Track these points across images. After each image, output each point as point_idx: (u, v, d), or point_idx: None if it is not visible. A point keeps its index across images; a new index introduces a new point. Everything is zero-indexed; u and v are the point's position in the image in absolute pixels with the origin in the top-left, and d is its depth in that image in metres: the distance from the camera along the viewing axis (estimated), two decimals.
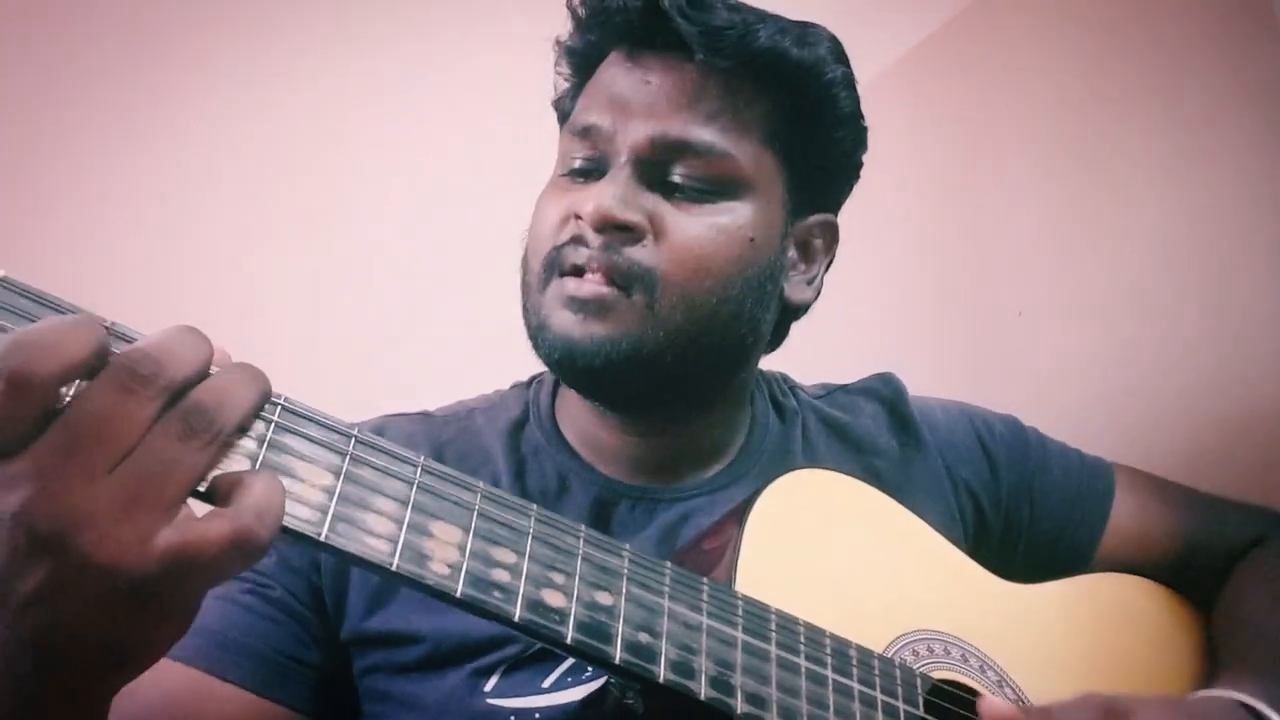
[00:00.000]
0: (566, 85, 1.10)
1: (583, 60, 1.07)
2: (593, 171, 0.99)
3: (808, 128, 1.03)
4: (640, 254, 0.94)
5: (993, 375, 1.68)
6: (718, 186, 0.98)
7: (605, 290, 0.93)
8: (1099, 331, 1.54)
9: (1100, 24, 1.58)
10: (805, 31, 1.02)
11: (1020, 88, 1.72)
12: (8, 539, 0.50)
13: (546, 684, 0.90)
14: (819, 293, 1.10)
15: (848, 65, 1.06)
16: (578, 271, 0.95)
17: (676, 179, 0.97)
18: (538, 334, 0.97)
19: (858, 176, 1.12)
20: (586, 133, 0.99)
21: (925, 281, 1.87)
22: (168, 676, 0.87)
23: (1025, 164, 1.70)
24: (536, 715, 0.89)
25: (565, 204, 0.98)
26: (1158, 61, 1.49)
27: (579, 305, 0.94)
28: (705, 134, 0.97)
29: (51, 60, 1.62)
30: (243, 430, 0.56)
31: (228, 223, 1.71)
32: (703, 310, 0.96)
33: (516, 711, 0.89)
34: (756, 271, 1.00)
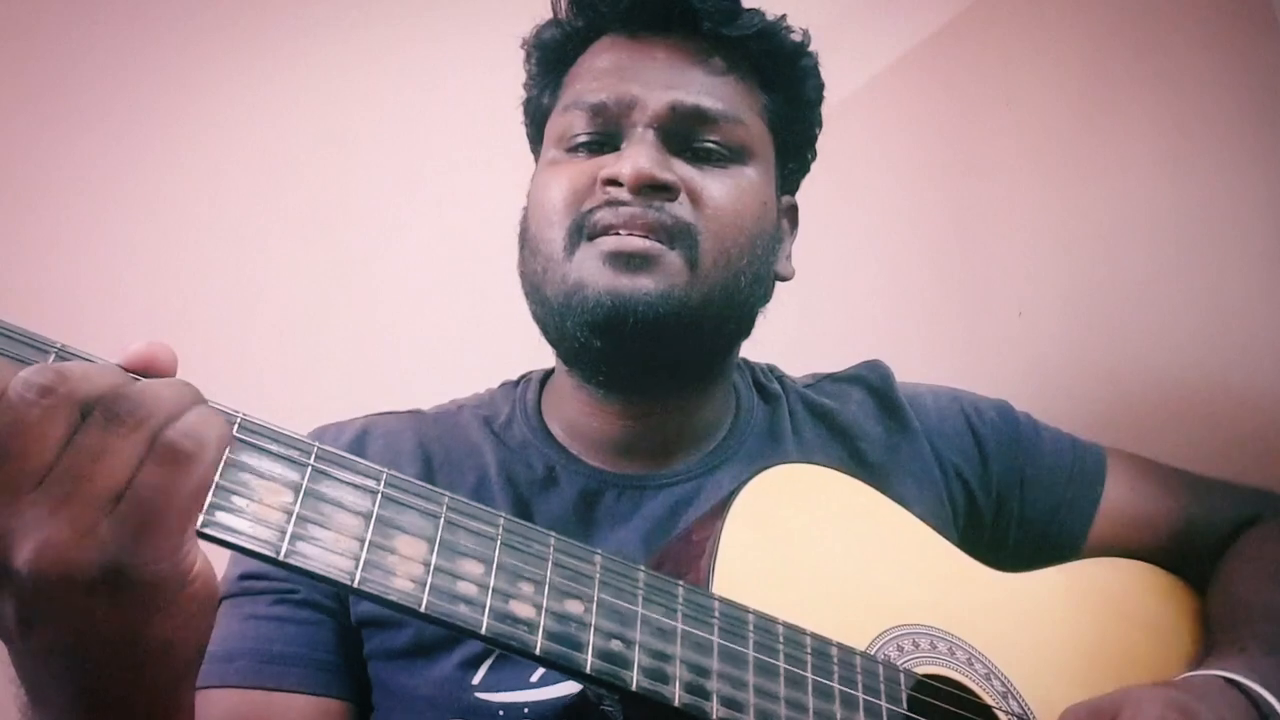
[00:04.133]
0: (536, 82, 1.14)
1: (558, 53, 1.11)
2: (603, 145, 1.02)
3: (791, 107, 1.10)
4: (680, 210, 0.97)
5: (992, 374, 1.67)
6: (732, 152, 1.03)
7: (651, 242, 0.95)
8: (1099, 331, 1.53)
9: (1100, 24, 1.57)
10: (782, 19, 1.09)
11: (1020, 87, 1.70)
12: None
13: (534, 678, 0.91)
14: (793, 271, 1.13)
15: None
16: (615, 232, 0.96)
17: (697, 144, 1.01)
18: (570, 299, 0.96)
19: (810, 167, 1.18)
20: (598, 109, 1.01)
21: (925, 281, 1.85)
22: (225, 704, 0.89)
23: (1025, 163, 1.69)
24: (525, 710, 0.90)
25: (583, 173, 1.00)
26: (1157, 61, 1.47)
27: (624, 260, 0.95)
28: (719, 102, 1.02)
29: (52, 62, 1.62)
30: (173, 420, 0.55)
31: (227, 225, 1.71)
32: (735, 268, 1.00)
33: (505, 706, 0.90)
34: (767, 237, 1.05)
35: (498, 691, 0.91)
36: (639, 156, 0.96)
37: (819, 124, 1.15)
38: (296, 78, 1.80)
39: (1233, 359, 1.34)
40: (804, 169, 1.17)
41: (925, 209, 1.85)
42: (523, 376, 1.16)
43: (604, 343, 0.96)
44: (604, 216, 0.97)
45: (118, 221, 1.61)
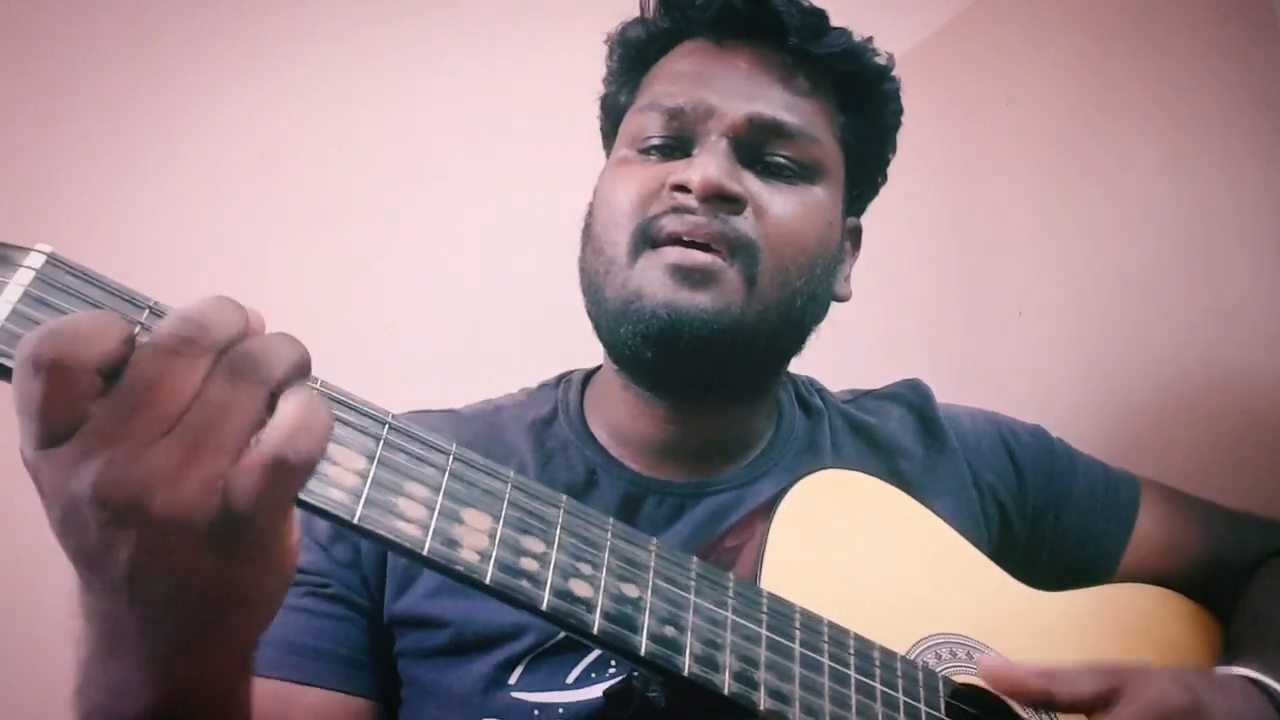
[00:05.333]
0: (615, 79, 1.13)
1: (641, 52, 1.11)
2: (675, 149, 1.02)
3: (869, 129, 1.09)
4: (744, 225, 0.97)
5: (993, 375, 1.68)
6: (804, 169, 1.02)
7: (712, 259, 0.95)
8: (1099, 331, 1.53)
9: (1100, 25, 1.58)
10: (868, 41, 1.08)
11: (1020, 87, 1.72)
12: (92, 517, 0.51)
13: (570, 679, 0.91)
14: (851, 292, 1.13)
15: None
16: (678, 241, 0.95)
17: (769, 158, 1.01)
18: (628, 307, 0.96)
19: (879, 190, 1.17)
20: (674, 113, 1.01)
21: (925, 282, 1.86)
22: None
23: (1025, 164, 1.70)
24: (560, 710, 0.89)
25: (653, 177, 1.00)
26: (1157, 62, 1.49)
27: (684, 274, 0.94)
28: (797, 118, 1.01)
29: (53, 62, 1.60)
30: (289, 380, 0.55)
31: (227, 225, 1.69)
32: (793, 287, 0.99)
33: (540, 706, 0.90)
34: (828, 257, 1.05)
35: (534, 692, 0.90)
36: (709, 165, 0.96)
37: (894, 149, 1.14)
38: (296, 78, 1.78)
39: (1233, 358, 1.35)
40: (873, 192, 1.16)
41: (925, 209, 1.86)
42: (562, 377, 1.16)
43: (655, 354, 0.96)
44: (669, 223, 0.96)
45: (118, 221, 1.58)
